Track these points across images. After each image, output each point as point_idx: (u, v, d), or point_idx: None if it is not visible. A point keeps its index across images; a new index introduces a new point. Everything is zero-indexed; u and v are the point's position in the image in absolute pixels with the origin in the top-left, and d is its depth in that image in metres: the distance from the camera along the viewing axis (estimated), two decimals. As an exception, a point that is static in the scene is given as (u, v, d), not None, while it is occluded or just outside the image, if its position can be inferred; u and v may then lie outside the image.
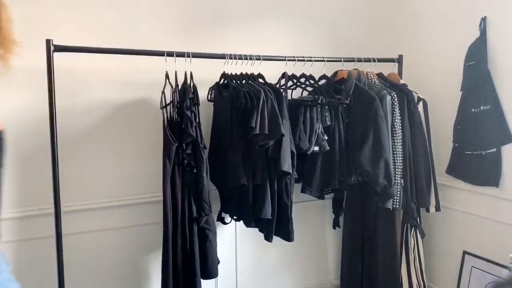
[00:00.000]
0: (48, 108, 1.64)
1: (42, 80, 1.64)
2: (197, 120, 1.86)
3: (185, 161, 1.84)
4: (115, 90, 2.03)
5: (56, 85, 1.65)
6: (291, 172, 1.87)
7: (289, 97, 2.18)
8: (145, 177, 2.11)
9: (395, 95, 2.15)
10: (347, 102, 2.12)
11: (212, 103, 2.09)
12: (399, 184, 2.13)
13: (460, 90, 2.26)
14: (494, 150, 2.13)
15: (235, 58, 1.95)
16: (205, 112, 2.05)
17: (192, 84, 1.87)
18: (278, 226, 1.94)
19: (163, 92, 1.85)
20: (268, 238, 1.96)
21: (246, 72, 2.00)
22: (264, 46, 2.31)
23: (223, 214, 2.12)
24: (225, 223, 2.15)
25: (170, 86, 1.86)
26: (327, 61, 2.16)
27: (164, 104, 1.86)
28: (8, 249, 1.88)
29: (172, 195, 1.86)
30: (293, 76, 2.14)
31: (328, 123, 2.10)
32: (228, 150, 1.93)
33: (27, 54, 1.80)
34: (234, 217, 2.09)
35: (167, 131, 1.83)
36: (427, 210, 2.31)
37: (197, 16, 2.19)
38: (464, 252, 2.33)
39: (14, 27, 1.80)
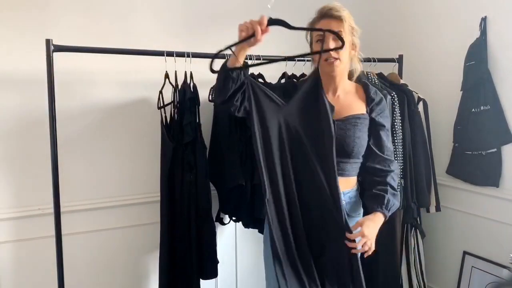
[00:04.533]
0: (47, 108, 1.64)
1: (42, 80, 1.64)
2: (198, 120, 1.87)
3: (185, 161, 1.85)
4: (115, 90, 2.03)
5: (55, 85, 1.65)
6: (290, 171, 1.87)
7: (289, 97, 2.18)
8: (144, 177, 2.11)
9: (395, 95, 2.15)
10: (347, 102, 2.12)
11: (213, 103, 2.08)
12: (399, 184, 2.13)
13: (460, 90, 2.26)
14: (494, 150, 2.13)
15: (235, 58, 1.94)
16: (206, 112, 2.05)
17: (192, 84, 1.87)
18: (277, 227, 1.94)
19: (160, 92, 1.85)
20: (267, 239, 1.96)
21: (246, 72, 2.00)
22: (264, 46, 2.31)
23: (221, 215, 2.11)
24: (223, 224, 2.14)
25: (171, 86, 1.87)
26: (327, 61, 2.15)
27: (162, 104, 1.86)
28: (8, 249, 1.88)
29: (172, 195, 1.86)
30: (293, 76, 2.13)
31: (328, 123, 2.10)
32: (227, 150, 1.93)
33: (27, 54, 1.82)
34: (233, 218, 2.09)
35: (164, 131, 1.84)
36: (427, 210, 2.31)
37: (197, 16, 2.19)
38: (464, 252, 2.33)
39: (14, 26, 1.81)
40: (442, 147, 2.39)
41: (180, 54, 1.81)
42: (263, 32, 1.36)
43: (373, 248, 1.37)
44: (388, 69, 2.40)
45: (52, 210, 1.69)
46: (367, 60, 2.26)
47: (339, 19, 1.44)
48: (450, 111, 2.32)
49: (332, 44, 1.45)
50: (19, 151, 1.88)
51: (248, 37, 1.34)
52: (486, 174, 2.17)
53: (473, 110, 2.19)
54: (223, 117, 1.96)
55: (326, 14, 1.47)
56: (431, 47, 2.46)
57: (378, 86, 2.20)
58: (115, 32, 2.00)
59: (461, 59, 2.24)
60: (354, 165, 1.53)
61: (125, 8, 2.03)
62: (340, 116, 1.51)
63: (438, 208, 2.29)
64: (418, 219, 2.29)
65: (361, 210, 1.59)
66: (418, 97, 2.30)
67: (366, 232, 1.36)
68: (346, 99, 1.56)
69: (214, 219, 2.05)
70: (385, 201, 1.43)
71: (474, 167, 2.21)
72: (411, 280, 2.29)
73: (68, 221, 1.84)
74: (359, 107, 1.55)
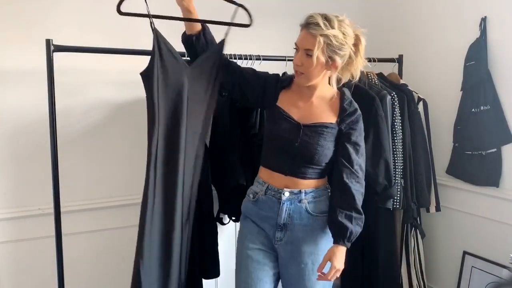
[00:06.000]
0: (48, 108, 1.64)
1: (42, 80, 1.64)
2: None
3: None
4: (115, 90, 2.03)
5: (55, 85, 1.65)
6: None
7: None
8: (144, 177, 2.10)
9: (395, 95, 2.15)
10: (347, 102, 2.11)
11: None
12: (399, 184, 2.13)
13: (460, 90, 2.26)
14: (494, 150, 2.13)
15: (235, 58, 1.95)
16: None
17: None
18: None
19: None
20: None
21: (246, 72, 2.00)
22: (264, 46, 2.31)
23: (221, 215, 2.11)
24: (223, 224, 2.14)
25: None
26: (327, 61, 2.15)
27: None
28: (8, 249, 1.88)
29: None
30: (293, 76, 2.13)
31: (328, 123, 2.10)
32: (227, 150, 1.93)
33: (27, 54, 1.82)
34: (233, 218, 2.09)
35: None
36: (427, 210, 2.31)
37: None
38: (464, 252, 2.33)
39: (14, 26, 1.81)
40: (442, 147, 2.39)
41: (181, 54, 1.81)
42: None
43: (339, 272, 1.50)
44: (388, 69, 2.40)
45: (52, 210, 1.69)
46: (367, 60, 2.25)
47: (312, 35, 1.43)
48: (450, 111, 2.32)
49: (297, 58, 1.48)
50: (19, 151, 1.88)
51: None
52: (486, 174, 2.17)
53: (473, 110, 2.19)
54: (223, 116, 1.96)
55: (305, 26, 1.47)
56: (431, 47, 2.46)
57: (378, 86, 2.20)
58: (115, 32, 2.00)
59: (461, 59, 2.24)
60: (317, 170, 1.54)
61: (125, 7, 2.02)
62: (308, 122, 1.52)
63: (438, 208, 2.29)
64: (418, 219, 2.29)
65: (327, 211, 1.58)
66: (418, 97, 2.30)
67: (338, 265, 1.46)
68: (318, 106, 1.56)
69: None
70: (348, 234, 1.46)
71: (474, 167, 2.21)
72: (411, 280, 2.29)
73: (68, 221, 1.84)
74: (329, 116, 1.54)
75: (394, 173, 2.11)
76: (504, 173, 2.12)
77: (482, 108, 2.15)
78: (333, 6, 2.54)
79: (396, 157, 2.14)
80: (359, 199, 1.51)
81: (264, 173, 1.60)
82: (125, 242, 2.11)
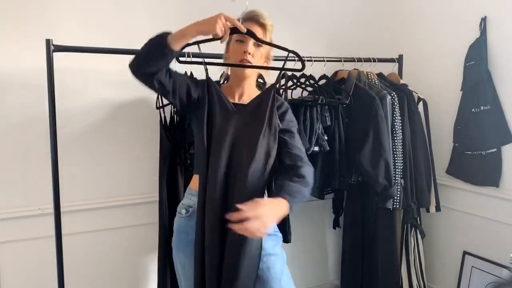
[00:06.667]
0: (48, 108, 1.64)
1: (42, 80, 1.64)
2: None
3: (188, 161, 1.85)
4: (115, 90, 2.03)
5: (55, 85, 1.65)
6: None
7: (289, 97, 2.18)
8: (144, 177, 2.11)
9: (395, 95, 2.15)
10: (347, 102, 2.12)
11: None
12: (399, 184, 2.13)
13: (460, 90, 2.26)
14: (494, 150, 2.13)
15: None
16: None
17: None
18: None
19: None
20: (264, 239, 1.95)
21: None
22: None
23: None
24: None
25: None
26: (327, 61, 2.15)
27: (160, 104, 1.86)
28: (8, 249, 1.88)
29: (174, 195, 1.86)
30: (293, 76, 2.13)
31: (328, 123, 2.10)
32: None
33: (27, 54, 1.82)
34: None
35: (162, 131, 1.84)
36: (427, 210, 2.31)
37: (197, 15, 2.18)
38: (464, 252, 2.33)
39: (14, 26, 1.81)
40: (442, 147, 2.39)
41: (180, 54, 1.81)
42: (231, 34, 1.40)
43: (263, 231, 1.18)
44: (388, 69, 2.40)
45: (52, 210, 1.70)
46: (367, 60, 2.26)
47: (263, 27, 1.46)
48: (450, 111, 2.32)
49: (249, 47, 1.44)
50: (19, 151, 1.88)
51: (216, 38, 1.42)
52: (486, 174, 2.17)
53: (473, 110, 2.19)
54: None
55: (252, 18, 1.46)
56: (431, 47, 2.46)
57: (378, 86, 2.21)
58: (115, 32, 2.00)
59: (461, 59, 2.24)
60: None
61: (126, 7, 2.03)
62: None
63: (438, 208, 2.29)
64: (418, 219, 2.29)
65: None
66: (418, 97, 2.30)
67: (264, 212, 1.17)
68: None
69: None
70: (294, 190, 1.32)
71: (474, 167, 2.21)
72: (411, 280, 2.29)
73: (68, 221, 1.84)
74: None
75: (394, 173, 2.11)
76: (504, 173, 2.12)
77: (482, 108, 2.15)
78: (332, 6, 2.55)
79: (396, 157, 2.14)
80: (310, 177, 1.41)
81: (198, 182, 1.49)
82: (125, 242, 2.11)
